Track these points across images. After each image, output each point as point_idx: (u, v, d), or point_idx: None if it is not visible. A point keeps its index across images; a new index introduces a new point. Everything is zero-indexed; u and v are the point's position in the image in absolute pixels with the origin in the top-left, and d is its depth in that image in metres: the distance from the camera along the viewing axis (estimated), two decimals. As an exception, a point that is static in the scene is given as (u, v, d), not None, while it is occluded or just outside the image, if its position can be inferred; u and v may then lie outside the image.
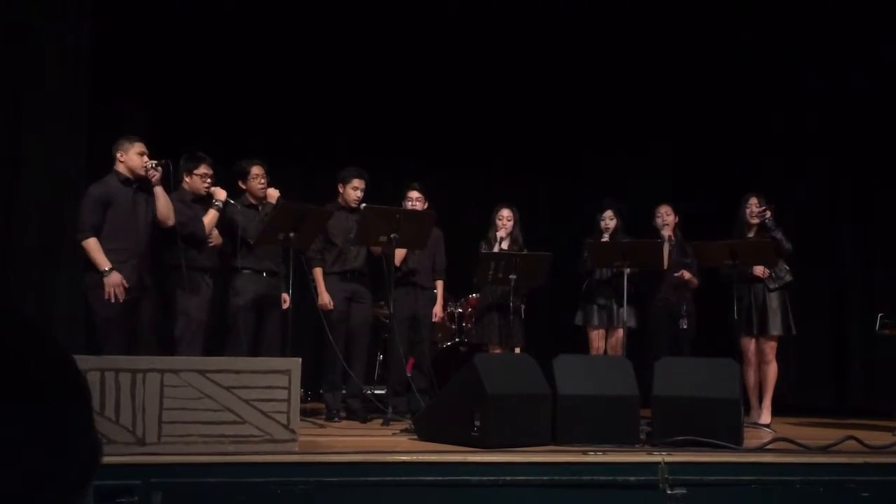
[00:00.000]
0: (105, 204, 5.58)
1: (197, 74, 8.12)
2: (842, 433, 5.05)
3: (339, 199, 6.63)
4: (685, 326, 6.92)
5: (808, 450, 4.74)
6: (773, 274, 6.59)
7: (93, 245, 5.49)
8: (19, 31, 6.51)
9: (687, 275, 6.99)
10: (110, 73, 7.34)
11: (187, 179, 6.09)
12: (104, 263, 5.46)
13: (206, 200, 6.13)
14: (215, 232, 6.18)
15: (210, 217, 6.06)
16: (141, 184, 5.73)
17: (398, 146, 8.69)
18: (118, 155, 5.71)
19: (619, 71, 8.92)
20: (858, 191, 8.28)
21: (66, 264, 6.55)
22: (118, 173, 5.71)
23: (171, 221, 5.78)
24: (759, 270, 6.57)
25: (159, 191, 5.72)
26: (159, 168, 5.69)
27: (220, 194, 6.14)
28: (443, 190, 7.49)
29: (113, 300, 5.43)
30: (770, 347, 6.60)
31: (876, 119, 8.03)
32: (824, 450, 4.72)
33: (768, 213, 6.61)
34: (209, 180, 6.13)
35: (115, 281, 5.45)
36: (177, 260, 5.85)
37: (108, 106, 7.54)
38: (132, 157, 5.69)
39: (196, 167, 6.10)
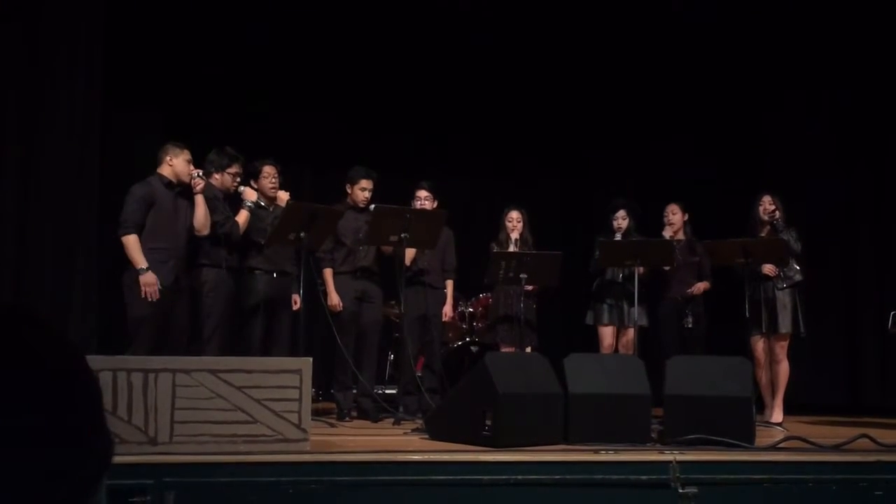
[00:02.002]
0: (149, 204, 5.68)
1: (208, 76, 8.14)
2: (855, 431, 5.02)
3: (348, 199, 6.63)
4: (691, 325, 6.91)
5: (820, 448, 4.72)
6: (781, 273, 6.56)
7: (132, 242, 5.57)
8: (33, 34, 6.55)
9: (700, 288, 7.01)
10: (123, 77, 7.38)
11: (217, 176, 6.14)
12: (141, 262, 5.54)
13: (232, 197, 6.18)
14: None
15: (243, 218, 6.14)
16: (182, 189, 5.82)
17: (407, 145, 8.70)
18: (167, 158, 5.82)
19: (628, 69, 8.89)
20: (872, 188, 8.25)
21: (80, 266, 6.59)
22: (162, 176, 5.82)
23: (206, 231, 5.88)
24: (767, 269, 6.55)
25: (200, 199, 5.84)
26: (203, 177, 5.79)
27: (251, 195, 6.22)
28: (453, 189, 7.49)
29: (150, 299, 5.49)
30: (780, 346, 6.57)
31: (890, 115, 7.99)
32: (837, 448, 4.70)
33: (777, 214, 6.59)
34: (239, 179, 6.21)
35: (149, 280, 5.53)
36: (206, 258, 5.92)
37: (122, 109, 7.58)
38: (181, 163, 5.82)
39: (229, 166, 6.17)
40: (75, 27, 6.73)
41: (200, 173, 5.84)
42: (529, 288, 6.76)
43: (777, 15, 8.37)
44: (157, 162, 5.87)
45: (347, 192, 6.65)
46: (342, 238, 6.50)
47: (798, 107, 8.62)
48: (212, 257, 5.96)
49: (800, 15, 8.30)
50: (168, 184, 5.81)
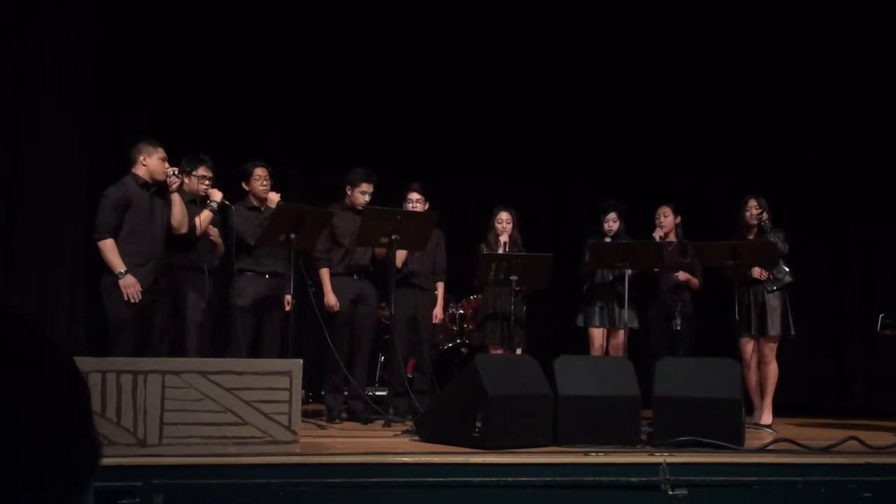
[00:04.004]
0: (124, 206, 5.61)
1: (198, 76, 8.13)
2: (843, 434, 5.05)
3: (346, 200, 6.61)
4: (678, 327, 6.91)
5: (809, 450, 4.74)
6: (771, 276, 6.58)
7: (109, 246, 5.52)
8: (21, 33, 6.53)
9: (683, 276, 6.99)
10: (112, 75, 7.35)
11: (186, 180, 6.09)
12: (119, 266, 5.49)
13: (202, 201, 6.14)
14: (214, 231, 6.19)
15: (203, 217, 6.05)
16: (158, 188, 5.78)
17: (398, 147, 8.69)
18: (140, 158, 5.74)
19: (620, 70, 8.91)
20: (861, 189, 8.28)
21: (67, 266, 6.56)
22: (137, 176, 5.74)
23: (184, 229, 5.83)
24: (756, 272, 6.57)
25: (176, 197, 5.78)
26: (179, 175, 5.75)
27: (216, 195, 6.15)
28: (444, 191, 7.49)
29: (133, 300, 5.46)
30: (769, 348, 6.59)
31: (879, 117, 8.03)
32: (826, 450, 4.72)
33: (765, 216, 6.61)
34: (207, 182, 6.14)
35: (130, 283, 5.48)
36: (175, 261, 5.90)
37: (110, 108, 7.56)
38: (154, 162, 5.74)
39: (195, 168, 6.12)
40: (64, 25, 6.70)
41: (176, 171, 5.76)
42: (517, 288, 6.75)
43: (767, 18, 8.41)
44: (132, 162, 5.79)
45: (347, 193, 6.62)
46: (340, 238, 6.48)
47: (786, 108, 8.64)
48: (180, 260, 5.94)
49: (790, 18, 8.34)
50: (143, 184, 5.72)
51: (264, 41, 8.31)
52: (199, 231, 6.02)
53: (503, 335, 6.85)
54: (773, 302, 6.56)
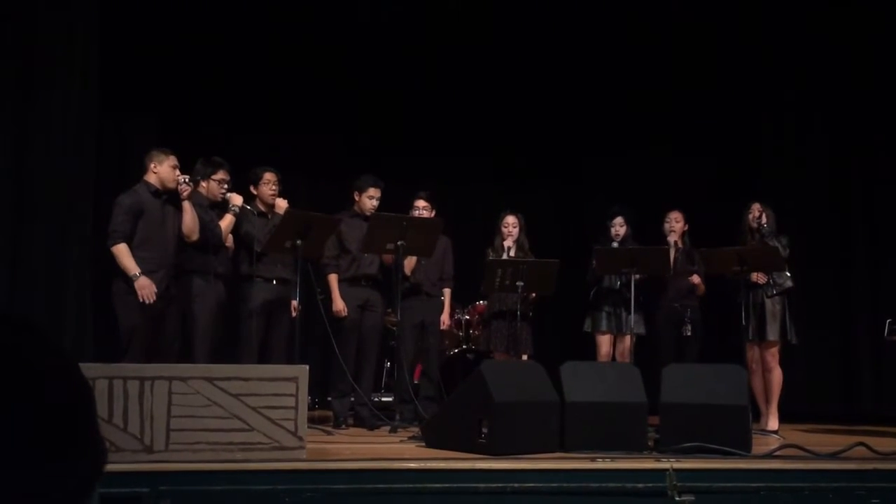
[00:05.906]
0: (136, 213, 5.65)
1: (204, 81, 8.15)
2: (851, 439, 5.02)
3: (355, 207, 6.64)
4: (688, 333, 6.89)
5: (816, 456, 4.72)
6: (771, 280, 6.57)
7: (123, 250, 5.55)
8: (27, 37, 6.55)
9: (696, 278, 6.98)
10: (118, 80, 7.38)
11: (204, 185, 6.13)
12: (133, 268, 5.51)
13: (220, 206, 6.17)
14: (230, 237, 6.23)
15: (227, 222, 6.13)
16: (169, 196, 5.80)
17: (404, 153, 8.70)
18: (152, 166, 5.78)
19: (623, 76, 8.90)
20: (866, 194, 8.26)
21: (74, 271, 6.58)
22: (148, 184, 5.78)
23: (195, 236, 5.86)
24: (755, 276, 6.56)
25: (188, 205, 5.81)
26: (190, 183, 5.77)
27: (237, 200, 6.20)
28: (449, 197, 7.49)
29: (147, 300, 5.46)
30: (770, 354, 6.57)
31: (883, 119, 8.02)
32: (833, 456, 4.70)
33: (764, 220, 6.61)
34: (226, 186, 6.19)
35: (145, 284, 5.51)
36: (191, 265, 5.91)
37: (117, 112, 7.58)
38: (166, 170, 5.77)
39: (214, 172, 6.17)
40: (70, 29, 6.72)
41: (187, 179, 5.81)
42: (524, 294, 6.73)
43: (771, 23, 8.40)
44: (143, 169, 5.84)
45: (355, 200, 6.64)
46: (347, 245, 6.50)
47: (793, 112, 8.63)
48: (196, 264, 5.96)
49: (794, 23, 8.34)
50: (155, 192, 5.76)
51: (270, 46, 8.33)
52: (224, 237, 6.06)
53: (509, 341, 6.84)
54: (773, 307, 6.55)
